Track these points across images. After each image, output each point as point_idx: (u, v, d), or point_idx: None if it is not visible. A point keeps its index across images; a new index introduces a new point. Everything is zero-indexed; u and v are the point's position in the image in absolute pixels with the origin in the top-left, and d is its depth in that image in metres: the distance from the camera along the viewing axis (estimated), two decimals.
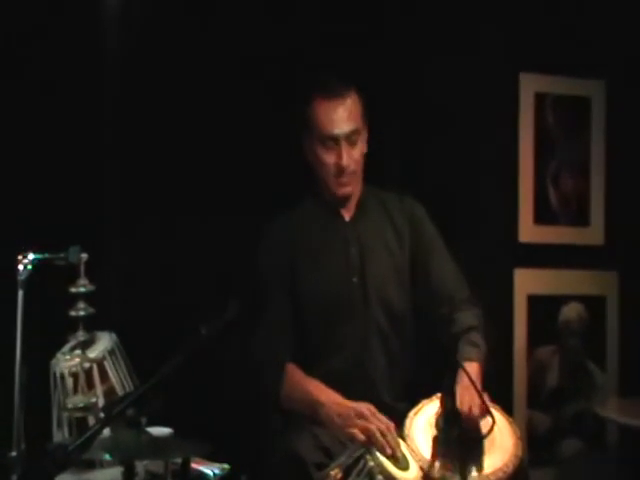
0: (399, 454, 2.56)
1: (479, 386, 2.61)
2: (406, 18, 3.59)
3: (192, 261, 3.32)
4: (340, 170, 2.89)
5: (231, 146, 3.38)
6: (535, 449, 3.72)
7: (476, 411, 2.57)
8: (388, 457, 2.51)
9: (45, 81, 3.18)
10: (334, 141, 2.88)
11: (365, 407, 2.68)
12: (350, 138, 2.89)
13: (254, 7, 3.44)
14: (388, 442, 2.58)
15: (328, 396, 2.77)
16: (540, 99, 3.88)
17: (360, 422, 2.63)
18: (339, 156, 2.87)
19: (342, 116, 2.88)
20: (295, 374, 2.86)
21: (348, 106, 2.90)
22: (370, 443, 2.56)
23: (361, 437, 2.59)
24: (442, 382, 2.58)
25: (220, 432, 2.76)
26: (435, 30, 3.64)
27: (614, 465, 3.89)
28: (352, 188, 2.96)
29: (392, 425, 2.63)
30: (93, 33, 3.27)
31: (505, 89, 3.80)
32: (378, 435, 2.58)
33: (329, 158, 2.90)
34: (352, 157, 2.89)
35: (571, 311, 3.94)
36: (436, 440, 2.57)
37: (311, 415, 2.77)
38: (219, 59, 3.40)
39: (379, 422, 2.62)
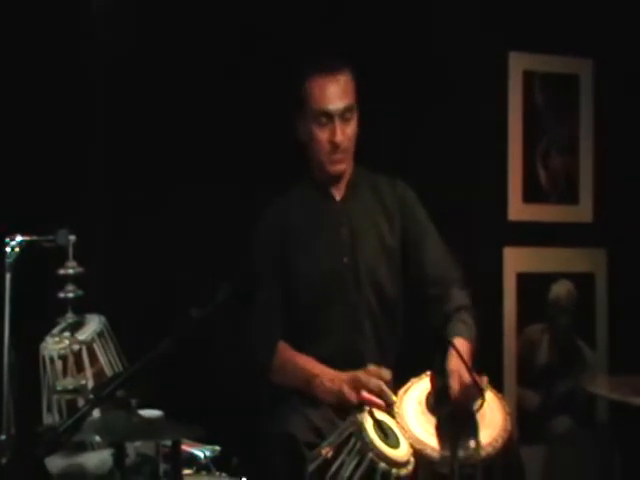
0: (396, 409, 2.60)
1: (469, 362, 2.61)
2: None
3: (182, 243, 3.31)
4: (334, 147, 2.89)
5: (224, 127, 3.36)
6: (525, 427, 3.74)
7: (466, 388, 2.57)
8: (379, 435, 2.50)
9: (29, 61, 3.16)
10: (328, 117, 2.88)
11: (358, 373, 2.72)
12: (344, 115, 2.89)
13: None
14: (385, 399, 2.63)
15: (321, 369, 2.82)
16: (528, 77, 3.88)
17: (352, 385, 2.69)
18: (333, 132, 2.88)
19: (336, 92, 2.89)
20: (287, 351, 2.88)
21: (342, 83, 2.90)
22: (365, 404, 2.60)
23: (354, 397, 2.65)
24: (431, 361, 2.59)
25: (211, 414, 2.76)
26: (425, 10, 3.62)
27: (604, 442, 3.91)
28: (345, 166, 2.96)
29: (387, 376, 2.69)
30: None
31: (494, 67, 3.79)
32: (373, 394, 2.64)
33: (323, 135, 2.90)
34: (345, 134, 2.89)
35: (560, 289, 3.95)
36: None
37: (304, 387, 2.81)
38: (214, 38, 3.38)
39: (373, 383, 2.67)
